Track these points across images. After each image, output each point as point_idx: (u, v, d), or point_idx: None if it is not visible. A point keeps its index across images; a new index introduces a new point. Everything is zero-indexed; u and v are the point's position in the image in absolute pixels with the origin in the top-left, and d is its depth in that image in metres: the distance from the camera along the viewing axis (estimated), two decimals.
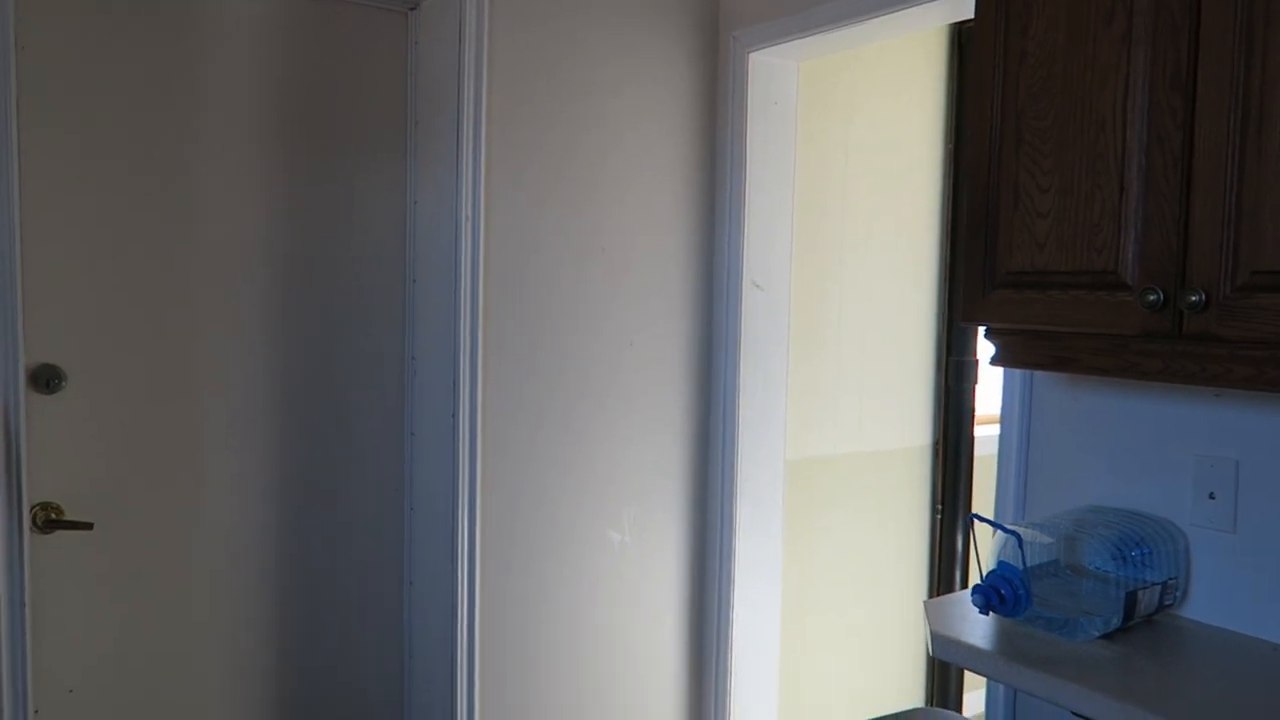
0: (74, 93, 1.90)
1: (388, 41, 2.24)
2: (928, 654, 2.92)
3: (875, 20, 2.13)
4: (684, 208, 2.42)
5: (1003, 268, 1.46)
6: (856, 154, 2.65)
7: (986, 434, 2.93)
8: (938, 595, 2.88)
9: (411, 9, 2.25)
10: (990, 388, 2.99)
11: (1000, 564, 1.45)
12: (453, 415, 2.16)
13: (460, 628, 2.18)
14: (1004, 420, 1.84)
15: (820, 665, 2.71)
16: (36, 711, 1.89)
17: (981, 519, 1.48)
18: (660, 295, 2.40)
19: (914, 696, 2.91)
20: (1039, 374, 1.77)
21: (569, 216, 2.26)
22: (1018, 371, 1.79)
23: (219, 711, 2.13)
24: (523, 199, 2.20)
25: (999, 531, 1.50)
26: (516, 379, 2.22)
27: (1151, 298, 1.25)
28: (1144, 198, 1.28)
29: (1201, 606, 1.53)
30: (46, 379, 1.90)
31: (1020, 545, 1.40)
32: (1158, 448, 1.59)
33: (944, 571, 2.87)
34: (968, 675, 2.89)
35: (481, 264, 2.14)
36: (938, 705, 2.91)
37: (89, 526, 1.92)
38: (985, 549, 1.52)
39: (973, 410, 2.86)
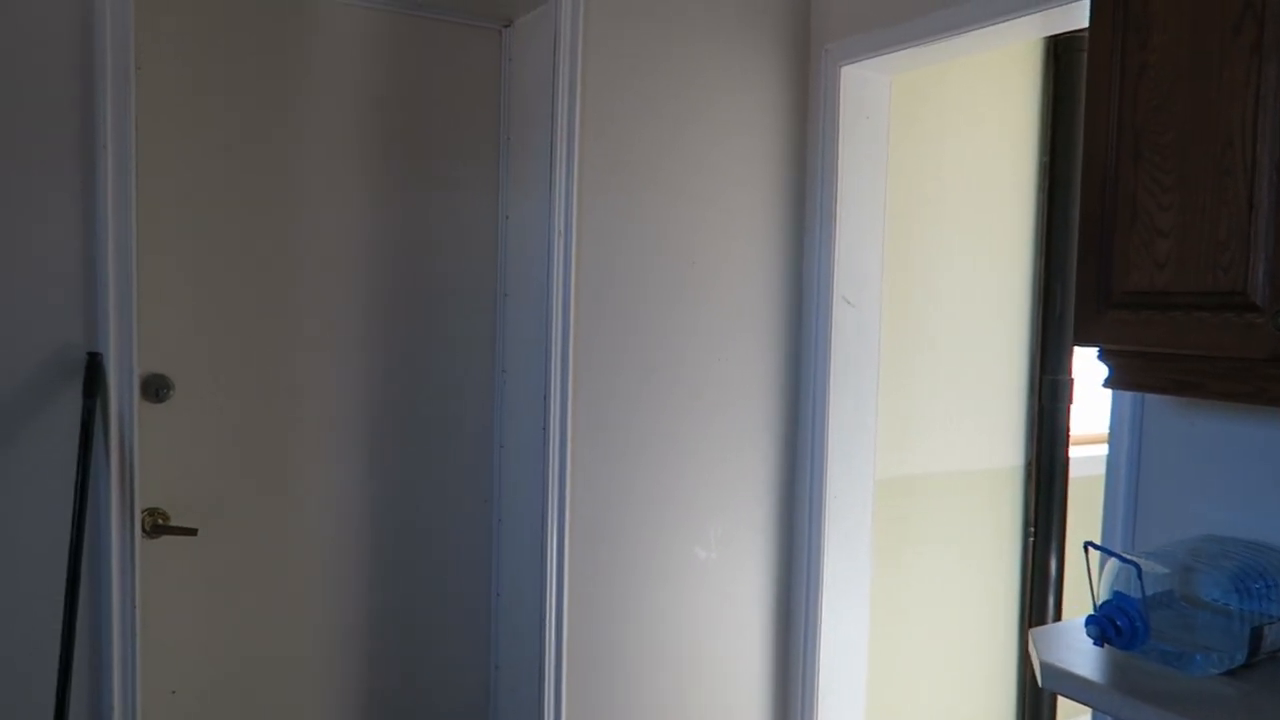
0: (186, 110, 1.96)
1: (482, 58, 2.27)
2: (1019, 679, 2.85)
3: (972, 33, 2.09)
4: (774, 222, 2.41)
5: (1119, 288, 1.41)
6: (948, 168, 2.60)
7: (1081, 455, 2.85)
8: (1030, 619, 2.80)
9: (505, 26, 2.28)
10: (1084, 407, 2.90)
11: (1115, 594, 1.40)
12: (543, 428, 2.17)
13: (548, 639, 2.18)
14: (1112, 443, 1.78)
15: (909, 687, 2.66)
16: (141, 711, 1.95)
17: (1097, 547, 1.43)
18: (749, 309, 2.39)
19: None
20: (1150, 395, 1.71)
21: (659, 230, 2.26)
22: (1127, 393, 1.73)
23: (311, 715, 2.17)
24: (614, 213, 2.20)
25: (1112, 560, 1.44)
26: (605, 393, 2.22)
27: None
28: (1275, 215, 1.23)
29: None
30: (156, 389, 1.96)
31: (1139, 575, 1.35)
32: None
33: (1036, 595, 2.79)
34: (1061, 702, 2.80)
35: (573, 278, 2.15)
36: None
37: (193, 532, 1.98)
38: (1094, 577, 1.47)
39: (1067, 430, 2.78)
